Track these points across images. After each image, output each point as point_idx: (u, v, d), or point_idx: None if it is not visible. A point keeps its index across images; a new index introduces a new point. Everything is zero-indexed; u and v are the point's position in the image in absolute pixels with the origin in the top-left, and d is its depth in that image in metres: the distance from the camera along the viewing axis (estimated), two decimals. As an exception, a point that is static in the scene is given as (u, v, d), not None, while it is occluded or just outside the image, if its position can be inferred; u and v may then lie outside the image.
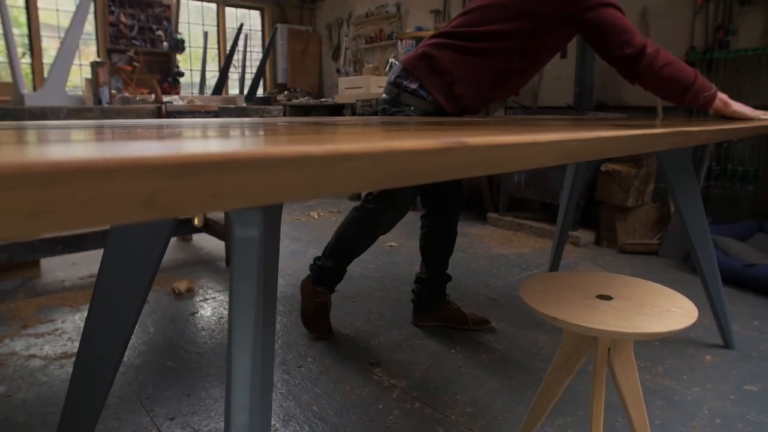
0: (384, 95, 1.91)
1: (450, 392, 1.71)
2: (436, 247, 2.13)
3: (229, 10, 7.18)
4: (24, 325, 2.21)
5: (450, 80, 1.77)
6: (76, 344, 2.02)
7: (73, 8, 6.15)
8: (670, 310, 1.02)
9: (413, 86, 1.79)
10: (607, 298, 1.08)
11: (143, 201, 0.23)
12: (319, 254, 2.10)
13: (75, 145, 0.31)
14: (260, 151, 0.24)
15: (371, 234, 2.02)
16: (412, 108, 1.81)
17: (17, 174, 0.21)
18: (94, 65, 2.55)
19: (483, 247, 3.48)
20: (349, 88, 5.50)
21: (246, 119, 1.33)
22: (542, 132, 0.61)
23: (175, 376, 1.79)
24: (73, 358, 1.90)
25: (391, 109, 1.85)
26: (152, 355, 1.94)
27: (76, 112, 2.46)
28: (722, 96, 1.64)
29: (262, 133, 0.46)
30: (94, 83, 2.55)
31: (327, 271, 2.06)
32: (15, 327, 2.19)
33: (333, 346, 2.03)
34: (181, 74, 6.53)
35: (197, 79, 6.81)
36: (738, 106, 1.65)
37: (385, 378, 1.80)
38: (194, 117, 2.70)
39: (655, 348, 2.00)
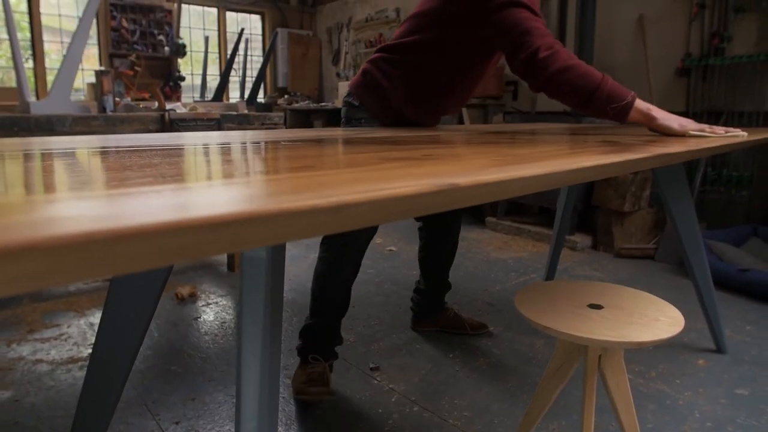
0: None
1: (448, 396, 1.75)
2: (435, 259, 2.15)
3: (229, 14, 7.23)
4: (30, 330, 2.25)
5: (384, 95, 1.71)
6: (82, 349, 2.07)
7: (75, 13, 6.19)
8: (658, 320, 1.06)
9: (356, 103, 1.77)
10: (598, 307, 1.13)
11: (175, 251, 0.27)
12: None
13: (107, 202, 0.35)
14: (277, 207, 0.28)
15: (338, 285, 1.77)
16: (363, 120, 1.78)
17: (56, 245, 0.24)
18: (99, 74, 2.59)
19: (481, 252, 3.52)
20: (349, 92, 5.53)
21: (249, 134, 1.38)
22: (522, 157, 0.66)
23: (180, 380, 1.84)
24: (80, 363, 1.94)
25: (347, 124, 1.81)
26: (157, 360, 1.98)
27: (81, 120, 2.50)
28: (642, 107, 1.36)
29: (272, 173, 0.50)
30: (98, 91, 2.59)
31: (315, 332, 1.79)
32: (21, 332, 2.23)
33: (333, 351, 2.07)
34: (182, 79, 6.58)
35: (198, 81, 6.85)
36: (664, 120, 1.36)
37: (385, 382, 1.84)
38: (197, 125, 2.74)
39: (649, 352, 2.05)
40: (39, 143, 0.99)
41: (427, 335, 2.21)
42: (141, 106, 2.85)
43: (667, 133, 1.35)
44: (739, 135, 1.33)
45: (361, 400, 1.73)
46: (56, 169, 0.55)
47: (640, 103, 1.37)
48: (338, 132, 1.41)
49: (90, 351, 2.04)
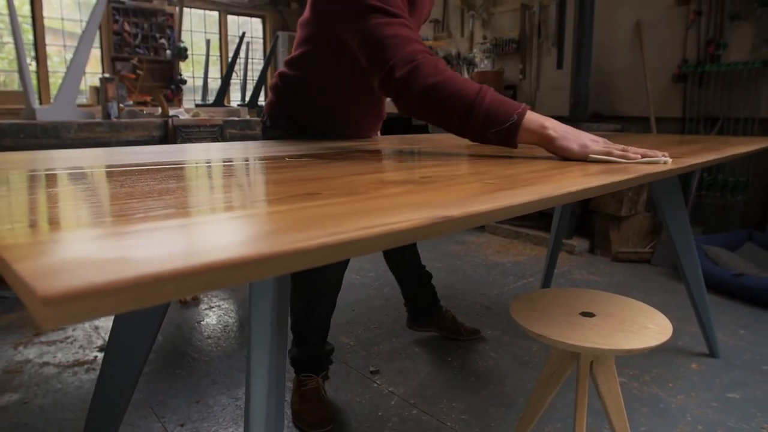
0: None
1: (446, 399, 1.80)
2: (402, 267, 2.14)
3: (231, 18, 7.28)
4: (36, 333, 2.29)
5: (279, 112, 1.60)
6: (88, 352, 2.11)
7: (77, 16, 6.24)
8: (647, 327, 1.10)
9: (268, 124, 1.64)
10: (590, 315, 1.17)
11: (201, 287, 0.31)
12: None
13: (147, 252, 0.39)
14: (288, 248, 0.33)
15: (317, 326, 1.72)
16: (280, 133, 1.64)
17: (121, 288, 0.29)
18: (104, 81, 2.63)
19: (480, 255, 3.56)
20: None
21: (251, 148, 1.42)
22: (513, 179, 0.70)
23: (184, 383, 1.88)
24: (86, 366, 1.98)
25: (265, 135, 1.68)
26: (161, 363, 2.02)
27: (86, 126, 2.55)
28: (534, 125, 1.03)
29: (277, 204, 0.54)
30: (103, 98, 2.63)
31: (300, 358, 1.75)
32: (27, 335, 2.27)
33: (335, 355, 2.11)
34: (184, 82, 6.62)
35: (199, 83, 6.89)
36: (563, 140, 1.01)
37: (385, 386, 1.88)
38: (200, 131, 2.79)
39: (644, 356, 2.09)
40: (48, 160, 1.03)
41: (426, 339, 2.25)
42: (144, 111, 2.89)
43: (566, 157, 1.01)
44: (659, 161, 0.93)
45: (361, 404, 1.77)
46: (79, 196, 0.59)
47: (531, 121, 1.03)
48: (336, 144, 1.45)
49: (95, 354, 2.08)
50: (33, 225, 0.40)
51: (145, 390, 1.83)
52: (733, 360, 2.07)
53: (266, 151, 1.14)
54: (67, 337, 2.25)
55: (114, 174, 0.74)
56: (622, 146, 0.97)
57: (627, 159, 0.93)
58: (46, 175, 0.75)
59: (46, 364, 2.02)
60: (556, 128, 1.02)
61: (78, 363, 2.02)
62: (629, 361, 2.04)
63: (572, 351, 1.11)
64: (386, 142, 1.48)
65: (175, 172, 0.78)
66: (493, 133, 1.05)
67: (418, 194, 0.55)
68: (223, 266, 0.30)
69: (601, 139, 1.02)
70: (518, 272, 3.20)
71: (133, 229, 0.39)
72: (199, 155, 1.07)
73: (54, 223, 0.41)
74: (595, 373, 1.15)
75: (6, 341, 2.21)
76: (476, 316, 2.51)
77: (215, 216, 0.44)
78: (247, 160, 0.94)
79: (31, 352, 2.11)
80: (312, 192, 0.55)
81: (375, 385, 1.89)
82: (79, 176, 0.73)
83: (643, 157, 0.93)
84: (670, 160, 0.93)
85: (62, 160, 0.99)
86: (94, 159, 0.99)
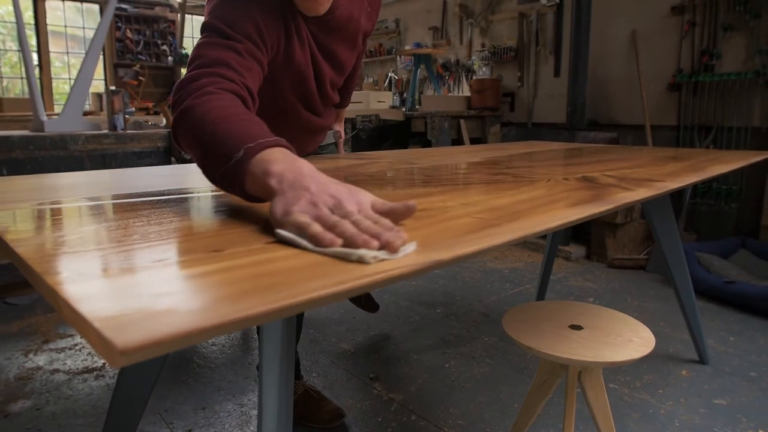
0: None
1: (443, 405, 1.86)
2: None
3: (232, 24, 7.35)
4: (45, 340, 2.36)
5: None
6: (96, 359, 2.17)
7: (80, 24, 6.32)
8: (632, 340, 1.17)
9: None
10: (578, 327, 1.23)
11: (236, 329, 0.38)
12: None
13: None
14: (299, 300, 0.39)
15: None
16: None
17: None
18: (110, 93, 2.70)
19: (478, 261, 3.63)
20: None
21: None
22: (501, 211, 0.77)
23: (190, 390, 1.94)
24: (95, 373, 2.05)
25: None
26: (167, 370, 2.09)
27: (93, 138, 2.61)
28: (258, 169, 0.69)
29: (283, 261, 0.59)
30: (110, 110, 2.70)
31: None
32: (37, 342, 2.34)
33: (336, 362, 2.18)
34: (186, 87, 6.69)
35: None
36: (279, 198, 0.64)
37: (384, 392, 1.95)
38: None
39: (635, 363, 2.15)
40: (62, 189, 1.10)
41: (424, 346, 2.32)
42: (150, 123, 2.96)
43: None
44: (365, 257, 0.51)
45: (362, 410, 1.83)
46: (102, 234, 0.65)
47: (258, 163, 0.69)
48: (336, 163, 1.51)
49: (104, 361, 2.15)
50: (98, 276, 0.47)
51: (152, 397, 1.89)
52: (722, 366, 2.13)
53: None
54: (76, 345, 2.31)
55: (137, 207, 0.80)
56: (322, 229, 0.56)
57: (319, 246, 0.55)
58: (69, 209, 0.82)
59: (57, 371, 2.08)
60: (284, 178, 0.66)
61: (87, 370, 2.09)
62: (621, 368, 2.11)
63: (561, 363, 1.18)
64: (386, 161, 1.54)
65: (196, 203, 0.85)
66: (221, 174, 0.73)
67: (416, 231, 0.62)
68: (254, 318, 0.37)
69: (325, 209, 0.61)
70: (516, 279, 3.26)
71: (175, 275, 0.45)
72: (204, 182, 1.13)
73: (107, 270, 0.48)
74: (583, 383, 1.22)
75: (16, 348, 2.28)
76: (473, 323, 2.57)
77: (238, 261, 0.50)
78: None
79: (41, 359, 2.18)
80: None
81: (375, 391, 1.96)
82: (99, 211, 0.79)
83: (356, 246, 0.53)
84: (392, 256, 0.51)
85: (76, 187, 1.06)
86: (106, 185, 1.06)
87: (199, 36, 1.08)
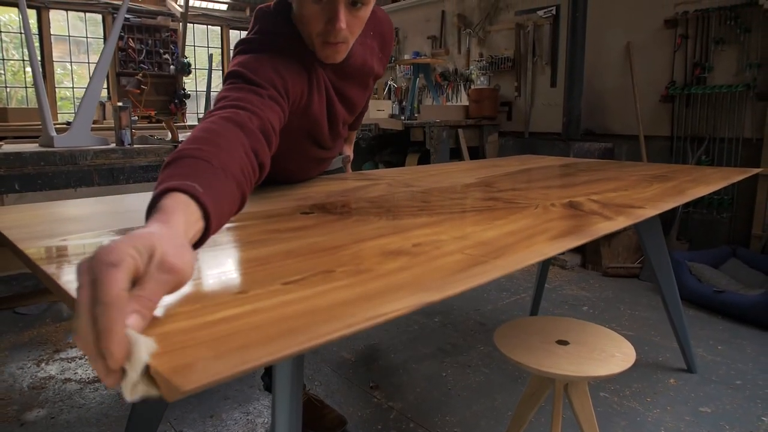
0: None
1: (440, 413, 1.94)
2: None
3: (233, 32, 7.45)
4: (56, 350, 2.44)
5: None
6: (106, 368, 2.25)
7: (83, 34, 6.40)
8: (614, 355, 1.25)
9: None
10: (565, 343, 1.32)
11: (272, 362, 0.46)
12: None
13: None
14: (308, 344, 0.48)
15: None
16: None
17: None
18: (118, 109, 2.79)
19: (476, 270, 3.71)
20: (350, 111, 5.72)
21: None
22: (488, 245, 0.85)
23: (198, 398, 2.03)
24: (106, 382, 2.13)
25: None
26: (175, 379, 2.17)
27: (101, 153, 2.70)
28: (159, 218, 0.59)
29: (288, 294, 0.66)
30: (117, 126, 2.79)
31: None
32: (48, 351, 2.42)
33: (337, 370, 2.26)
34: (187, 96, 6.78)
35: (202, 87, 7.05)
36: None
37: (384, 400, 2.03)
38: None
39: (625, 372, 2.23)
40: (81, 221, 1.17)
41: (422, 355, 2.40)
42: (155, 137, 3.04)
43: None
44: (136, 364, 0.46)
45: (362, 418, 1.92)
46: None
47: (163, 214, 0.60)
48: (343, 185, 1.59)
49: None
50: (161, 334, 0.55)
51: (162, 405, 1.97)
52: (709, 375, 2.21)
53: (269, 204, 1.28)
54: (85, 355, 2.39)
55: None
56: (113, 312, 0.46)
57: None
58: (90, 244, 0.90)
59: (69, 380, 2.16)
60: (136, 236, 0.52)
61: (98, 379, 2.17)
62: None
63: (548, 377, 1.26)
64: (385, 182, 1.62)
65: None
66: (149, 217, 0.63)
67: (409, 270, 0.70)
68: (278, 359, 0.45)
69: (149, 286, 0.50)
70: (512, 288, 3.34)
71: (216, 318, 0.54)
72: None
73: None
74: (570, 395, 1.30)
75: (28, 357, 2.36)
76: (470, 332, 2.66)
77: (261, 303, 0.59)
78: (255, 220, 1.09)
79: (53, 369, 2.26)
80: (325, 270, 0.70)
81: (375, 399, 2.04)
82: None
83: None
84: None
85: (90, 219, 1.14)
86: (113, 213, 1.14)
87: (222, 84, 1.09)
